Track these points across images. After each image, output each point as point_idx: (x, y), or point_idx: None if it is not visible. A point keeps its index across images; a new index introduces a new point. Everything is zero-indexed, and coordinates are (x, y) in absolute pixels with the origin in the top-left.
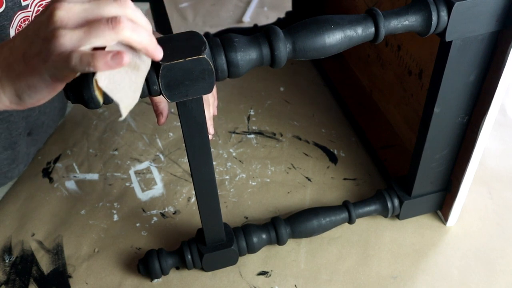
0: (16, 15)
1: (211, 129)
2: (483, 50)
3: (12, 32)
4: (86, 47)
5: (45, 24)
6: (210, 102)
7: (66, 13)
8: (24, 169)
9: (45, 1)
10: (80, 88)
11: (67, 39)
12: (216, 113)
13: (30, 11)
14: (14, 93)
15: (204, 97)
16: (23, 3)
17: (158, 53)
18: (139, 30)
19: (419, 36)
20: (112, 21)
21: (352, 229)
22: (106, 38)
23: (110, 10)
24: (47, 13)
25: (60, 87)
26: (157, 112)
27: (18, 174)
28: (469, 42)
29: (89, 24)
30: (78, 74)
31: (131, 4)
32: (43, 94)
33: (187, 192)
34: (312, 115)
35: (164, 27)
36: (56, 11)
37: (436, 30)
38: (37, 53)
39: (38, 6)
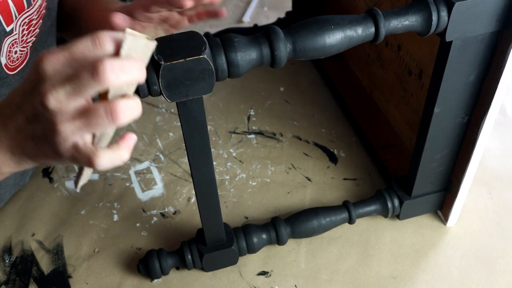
0: (4, 42)
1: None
2: (483, 50)
3: (3, 60)
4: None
5: (40, 110)
6: None
7: (57, 102)
8: (31, 173)
9: (28, 18)
10: None
11: (70, 134)
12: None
13: (16, 33)
14: (35, 163)
15: None
16: (7, 29)
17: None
18: (134, 108)
19: (419, 36)
20: (111, 113)
21: (352, 229)
22: (103, 127)
23: (92, 92)
24: (39, 97)
25: None
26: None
27: (28, 180)
28: (469, 42)
29: (85, 114)
30: None
31: (113, 72)
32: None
33: (187, 192)
34: (312, 115)
35: None
36: (46, 98)
37: (436, 30)
38: (44, 138)
39: (22, 26)
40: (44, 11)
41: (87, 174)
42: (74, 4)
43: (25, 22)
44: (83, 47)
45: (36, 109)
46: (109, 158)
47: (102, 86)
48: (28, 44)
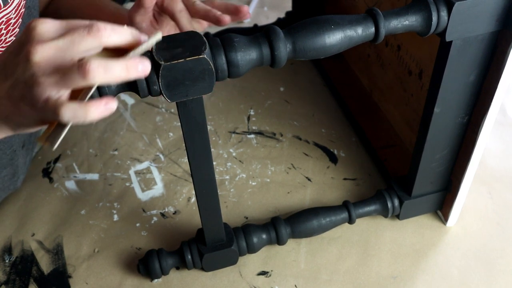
0: None
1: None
2: (483, 50)
3: None
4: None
5: (22, 67)
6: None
7: (42, 57)
8: (24, 177)
9: (5, 17)
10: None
11: (47, 86)
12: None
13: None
14: (8, 129)
15: None
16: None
17: (141, 70)
18: (112, 68)
19: (419, 36)
20: (80, 68)
21: (352, 229)
22: (80, 84)
23: (83, 47)
24: (24, 55)
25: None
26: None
27: (20, 184)
28: (469, 42)
29: (63, 71)
30: None
31: (106, 30)
32: (35, 128)
33: (187, 192)
34: (312, 115)
35: None
36: (32, 56)
37: (436, 30)
38: (21, 96)
39: (0, 26)
40: (23, 10)
41: (61, 130)
42: (74, 9)
43: (3, 21)
44: (79, 25)
45: (19, 63)
46: (73, 110)
47: (88, 83)
48: (7, 44)
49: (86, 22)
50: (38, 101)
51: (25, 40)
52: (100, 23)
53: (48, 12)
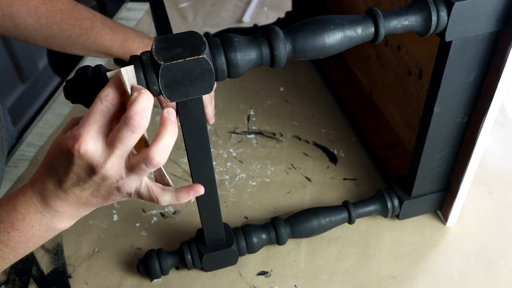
0: None
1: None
2: (483, 50)
3: None
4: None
5: (98, 182)
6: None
7: (113, 170)
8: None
9: None
10: (80, 87)
11: (129, 184)
12: (212, 121)
13: None
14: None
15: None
16: None
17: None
18: (168, 147)
19: (419, 36)
20: (150, 164)
21: (352, 229)
22: (147, 172)
23: (134, 143)
24: (99, 177)
25: None
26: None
27: None
28: (469, 42)
29: (132, 168)
30: None
31: (142, 119)
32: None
33: None
34: (312, 115)
35: (164, 27)
36: (105, 173)
37: (436, 30)
38: (109, 193)
39: None
40: None
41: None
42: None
43: None
44: (101, 112)
45: (97, 183)
46: (170, 198)
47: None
48: None
49: (124, 123)
50: (128, 195)
51: (86, 166)
52: (134, 114)
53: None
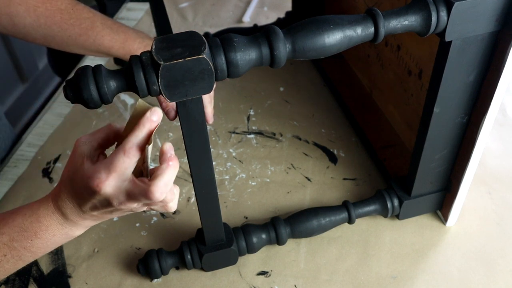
0: None
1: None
2: (483, 50)
3: None
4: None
5: (119, 210)
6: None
7: (126, 207)
8: None
9: None
10: (80, 87)
11: (137, 208)
12: (211, 121)
13: None
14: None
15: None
16: None
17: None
18: (170, 182)
19: (418, 36)
20: (153, 200)
21: (352, 229)
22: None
23: (131, 169)
24: (116, 209)
25: None
26: (166, 110)
27: None
28: (469, 42)
29: (134, 200)
30: None
31: (135, 150)
32: None
33: (187, 192)
34: (312, 115)
35: (164, 27)
36: (120, 208)
37: (435, 30)
38: (120, 213)
39: None
40: None
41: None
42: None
43: None
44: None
45: (111, 210)
46: (176, 206)
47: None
48: None
49: (117, 152)
50: (140, 210)
51: (104, 201)
52: (127, 144)
53: None
